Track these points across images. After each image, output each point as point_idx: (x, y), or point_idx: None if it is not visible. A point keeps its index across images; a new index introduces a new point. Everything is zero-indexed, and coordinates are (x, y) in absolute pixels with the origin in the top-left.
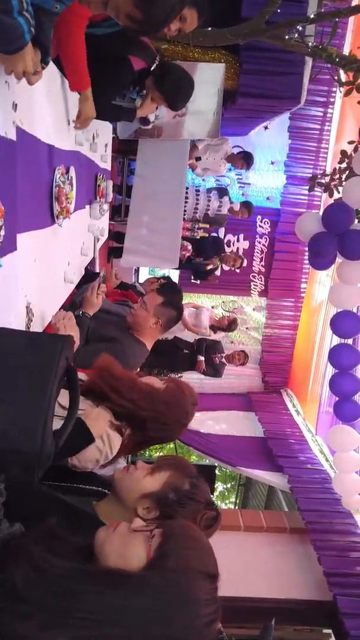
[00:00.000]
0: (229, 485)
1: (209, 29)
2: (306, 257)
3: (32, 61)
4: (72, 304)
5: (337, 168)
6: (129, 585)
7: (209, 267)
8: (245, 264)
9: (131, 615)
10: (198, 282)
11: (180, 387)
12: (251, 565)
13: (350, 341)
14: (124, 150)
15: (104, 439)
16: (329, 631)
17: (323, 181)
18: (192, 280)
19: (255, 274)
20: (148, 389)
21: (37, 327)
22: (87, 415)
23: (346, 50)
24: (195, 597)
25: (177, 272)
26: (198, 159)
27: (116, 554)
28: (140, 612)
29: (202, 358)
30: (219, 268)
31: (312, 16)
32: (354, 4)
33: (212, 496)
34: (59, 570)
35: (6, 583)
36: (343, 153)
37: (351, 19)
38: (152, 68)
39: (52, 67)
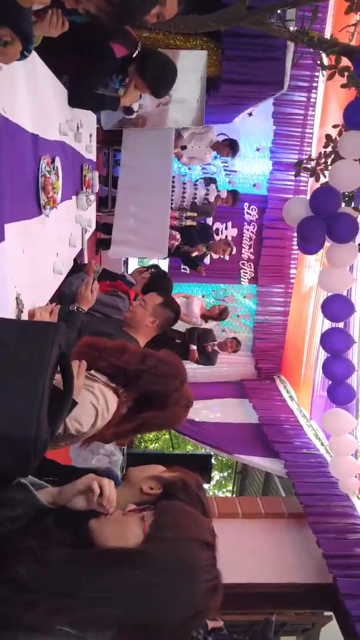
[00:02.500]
0: (225, 474)
1: (190, 15)
2: (295, 243)
3: None
4: (61, 295)
5: (323, 152)
6: (129, 561)
7: (194, 254)
8: (234, 251)
9: (135, 590)
10: (187, 270)
11: (174, 354)
12: (251, 551)
13: (341, 325)
14: (109, 140)
15: (97, 395)
16: (330, 613)
17: (309, 166)
18: (182, 268)
19: (245, 261)
20: (139, 350)
21: (27, 317)
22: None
23: (327, 34)
24: (196, 563)
25: (167, 261)
26: (183, 147)
27: (113, 535)
28: (143, 585)
29: (194, 347)
30: (208, 256)
31: (292, 0)
32: None
33: (209, 485)
34: (60, 558)
35: (9, 576)
36: (328, 137)
37: (331, 3)
38: (134, 55)
39: (35, 56)
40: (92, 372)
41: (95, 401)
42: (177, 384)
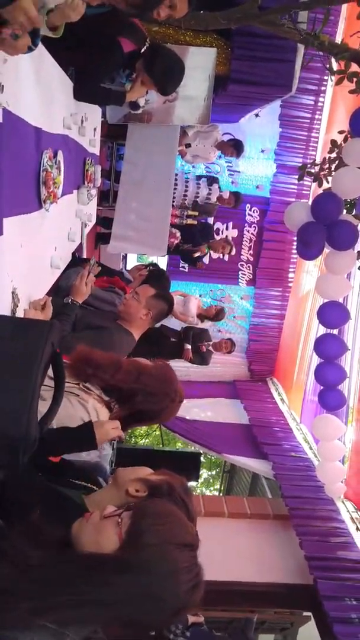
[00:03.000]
0: (213, 472)
1: (201, 12)
2: (294, 247)
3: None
4: (58, 289)
5: (327, 158)
6: (107, 567)
7: (197, 255)
8: (234, 252)
9: (114, 594)
10: (186, 266)
11: (168, 366)
12: (235, 550)
13: (335, 331)
14: (113, 134)
15: (90, 411)
16: (309, 613)
17: (312, 171)
18: (181, 265)
19: (244, 263)
20: (133, 367)
21: (22, 312)
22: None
23: (338, 39)
24: (175, 567)
25: (165, 259)
26: (188, 145)
27: (90, 541)
28: (122, 590)
29: (189, 346)
30: (208, 256)
31: (305, 2)
32: None
33: (196, 483)
34: (39, 561)
35: None
36: (333, 143)
37: (344, 7)
38: (143, 50)
39: (42, 48)
40: (87, 384)
41: (86, 417)
42: (169, 402)
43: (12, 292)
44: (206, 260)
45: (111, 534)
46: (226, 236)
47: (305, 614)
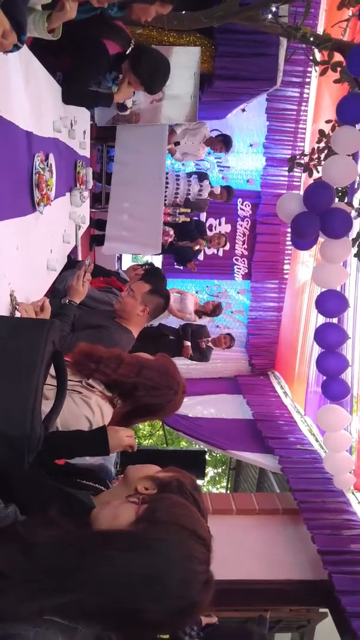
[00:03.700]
0: (219, 470)
1: (183, 12)
2: (288, 239)
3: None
4: (54, 290)
5: (316, 148)
6: (116, 542)
7: (196, 248)
8: (228, 247)
9: (122, 574)
10: (181, 267)
11: (170, 359)
12: (245, 547)
13: (335, 320)
14: (103, 137)
15: (93, 408)
16: (326, 610)
17: (302, 161)
18: (175, 266)
19: (238, 257)
20: (135, 361)
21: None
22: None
23: (320, 30)
24: (188, 554)
25: (160, 258)
26: (177, 143)
27: (108, 518)
28: (132, 568)
29: (188, 343)
30: (202, 253)
31: None
32: None
33: (203, 481)
34: (43, 540)
35: None
36: (321, 132)
37: None
38: (128, 52)
39: (29, 53)
40: (90, 381)
41: (90, 415)
42: (172, 395)
43: (10, 295)
44: (201, 257)
45: (129, 509)
46: (219, 232)
47: (321, 610)
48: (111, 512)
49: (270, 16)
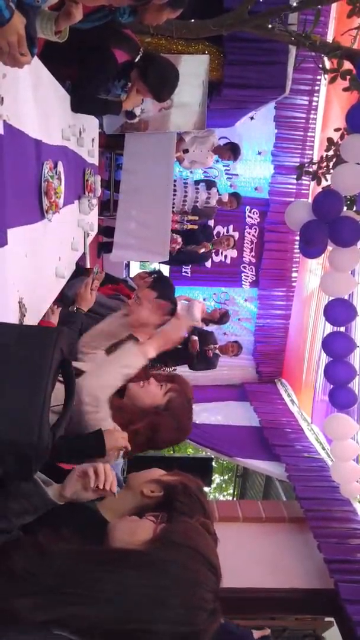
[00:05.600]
0: (226, 477)
1: (192, 20)
2: (296, 247)
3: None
4: (63, 297)
5: (325, 156)
6: (127, 561)
7: (202, 251)
8: (235, 253)
9: (127, 593)
10: (189, 271)
11: (182, 391)
12: (251, 555)
13: (343, 329)
14: (111, 145)
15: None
16: (331, 619)
17: (311, 169)
18: (184, 270)
19: (246, 265)
20: (150, 420)
21: (30, 322)
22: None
23: (329, 38)
24: (197, 580)
25: (168, 266)
26: (185, 151)
27: (126, 533)
28: (135, 590)
29: (195, 338)
30: (210, 260)
31: (294, 4)
32: None
33: (209, 489)
34: (61, 551)
35: (7, 566)
36: (330, 140)
37: (333, 6)
38: (136, 60)
39: (38, 62)
40: None
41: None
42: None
43: (19, 302)
44: (208, 264)
45: (147, 527)
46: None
47: (327, 619)
48: (129, 527)
49: (279, 24)
